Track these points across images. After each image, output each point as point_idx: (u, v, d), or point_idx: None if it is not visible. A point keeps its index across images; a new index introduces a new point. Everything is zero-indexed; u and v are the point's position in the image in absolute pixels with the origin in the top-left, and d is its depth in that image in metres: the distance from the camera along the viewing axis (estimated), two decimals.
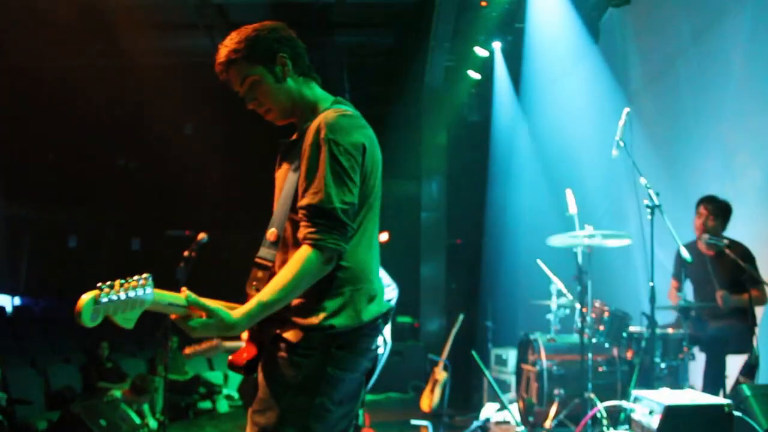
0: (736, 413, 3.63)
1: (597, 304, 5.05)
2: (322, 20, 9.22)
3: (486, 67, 8.09)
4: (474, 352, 5.74)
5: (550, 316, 5.88)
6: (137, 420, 6.71)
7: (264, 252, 2.06)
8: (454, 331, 6.72)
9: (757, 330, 4.45)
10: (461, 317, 6.86)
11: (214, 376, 9.25)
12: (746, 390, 3.85)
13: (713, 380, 4.41)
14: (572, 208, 5.04)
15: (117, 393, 6.97)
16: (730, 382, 4.40)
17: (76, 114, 13.02)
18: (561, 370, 5.22)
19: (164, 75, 11.50)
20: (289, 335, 1.98)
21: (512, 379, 6.50)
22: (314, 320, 1.96)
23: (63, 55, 11.70)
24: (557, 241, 5.18)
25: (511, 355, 6.89)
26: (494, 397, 6.44)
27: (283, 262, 2.02)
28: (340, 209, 1.94)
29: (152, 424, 6.97)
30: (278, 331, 2.00)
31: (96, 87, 12.57)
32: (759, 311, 4.62)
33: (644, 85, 6.62)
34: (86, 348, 8.21)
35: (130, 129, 12.86)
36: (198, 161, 12.69)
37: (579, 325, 4.94)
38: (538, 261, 6.06)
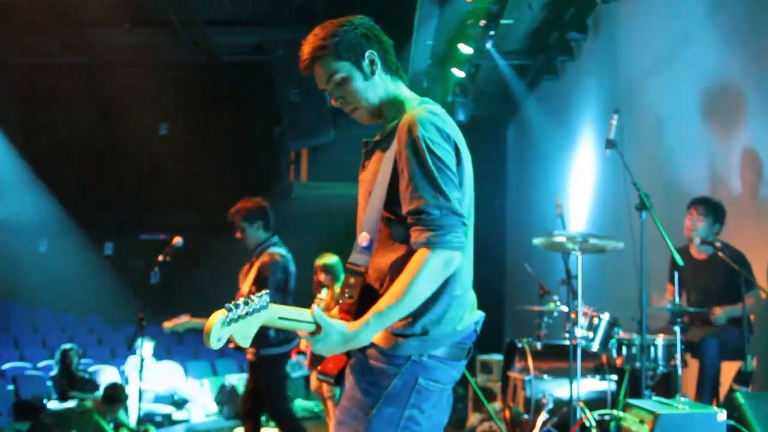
0: (730, 422, 3.54)
1: (586, 310, 4.94)
2: (302, 15, 9.06)
3: (470, 64, 7.97)
4: None
5: (538, 322, 5.76)
6: (110, 431, 6.60)
7: (355, 257, 1.99)
8: None
9: (751, 337, 4.36)
10: None
11: (189, 386, 9.12)
12: (740, 398, 3.75)
13: (706, 388, 4.32)
14: (560, 211, 4.99)
15: (89, 403, 6.86)
16: (723, 390, 4.31)
17: (46, 112, 12.75)
18: (549, 377, 5.11)
19: (137, 73, 11.30)
20: (380, 341, 1.92)
21: (498, 388, 6.38)
22: (408, 326, 1.91)
23: (32, 52, 11.46)
24: (543, 241, 5.03)
25: (496, 363, 6.79)
26: (479, 407, 6.33)
27: (378, 266, 1.98)
28: (454, 204, 1.89)
29: None
30: None
31: (66, 85, 12.31)
32: (753, 317, 4.53)
33: (636, 82, 6.52)
34: (57, 357, 8.06)
35: (102, 128, 12.61)
36: (173, 162, 12.47)
37: (567, 331, 4.82)
38: (526, 265, 5.96)
